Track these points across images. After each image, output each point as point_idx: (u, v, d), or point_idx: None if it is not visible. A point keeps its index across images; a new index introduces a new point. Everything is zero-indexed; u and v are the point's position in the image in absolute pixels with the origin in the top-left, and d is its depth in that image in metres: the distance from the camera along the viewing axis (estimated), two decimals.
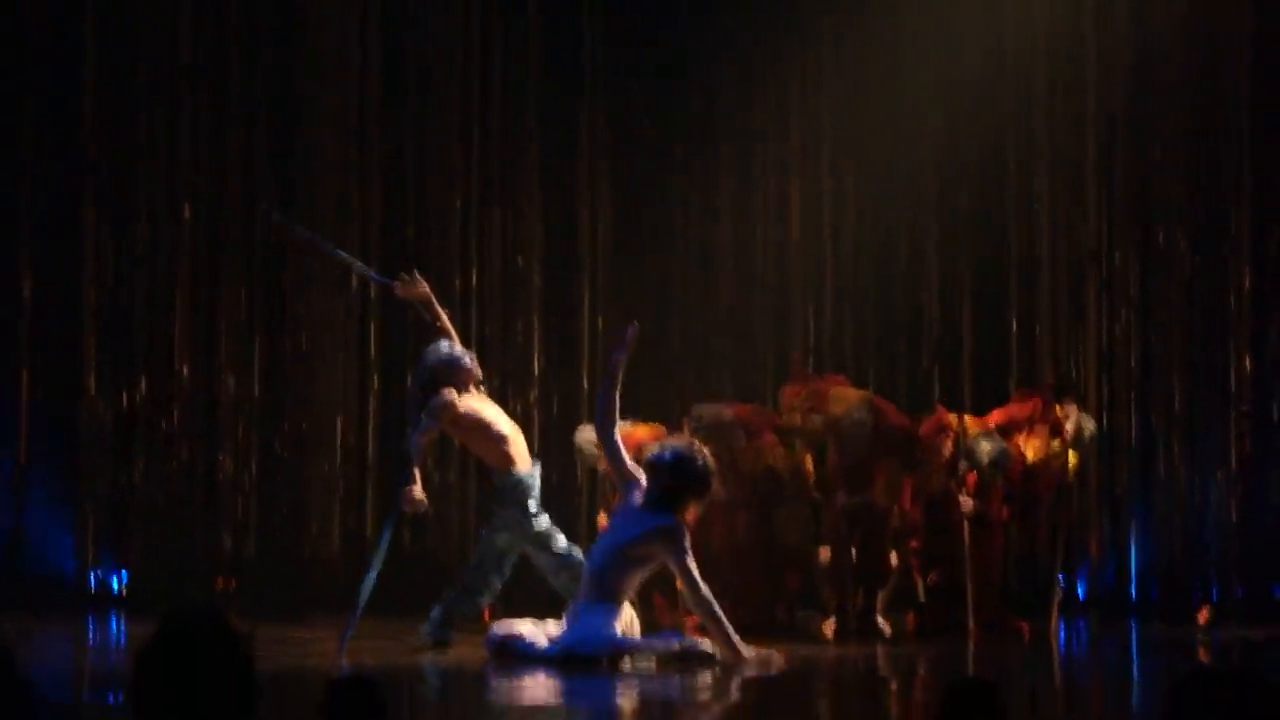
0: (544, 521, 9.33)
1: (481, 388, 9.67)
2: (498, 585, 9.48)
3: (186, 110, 14.01)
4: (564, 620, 8.48)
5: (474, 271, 14.21)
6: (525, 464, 9.44)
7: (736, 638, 8.26)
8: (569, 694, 7.99)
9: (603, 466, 10.44)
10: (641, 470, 8.40)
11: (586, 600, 8.33)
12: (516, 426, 9.67)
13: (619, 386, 8.57)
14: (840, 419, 11.07)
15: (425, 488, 9.49)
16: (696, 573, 8.15)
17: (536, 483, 9.45)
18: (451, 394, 9.36)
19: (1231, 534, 13.17)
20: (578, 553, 9.26)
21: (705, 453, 8.36)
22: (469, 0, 14.30)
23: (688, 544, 8.18)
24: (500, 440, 9.45)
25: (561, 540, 9.32)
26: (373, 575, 9.29)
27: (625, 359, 8.55)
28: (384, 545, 9.47)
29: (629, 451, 9.80)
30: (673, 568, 8.19)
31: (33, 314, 13.76)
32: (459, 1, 14.29)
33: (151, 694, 3.26)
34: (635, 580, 8.33)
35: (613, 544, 8.33)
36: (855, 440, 10.98)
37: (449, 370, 9.43)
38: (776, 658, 8.31)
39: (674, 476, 8.25)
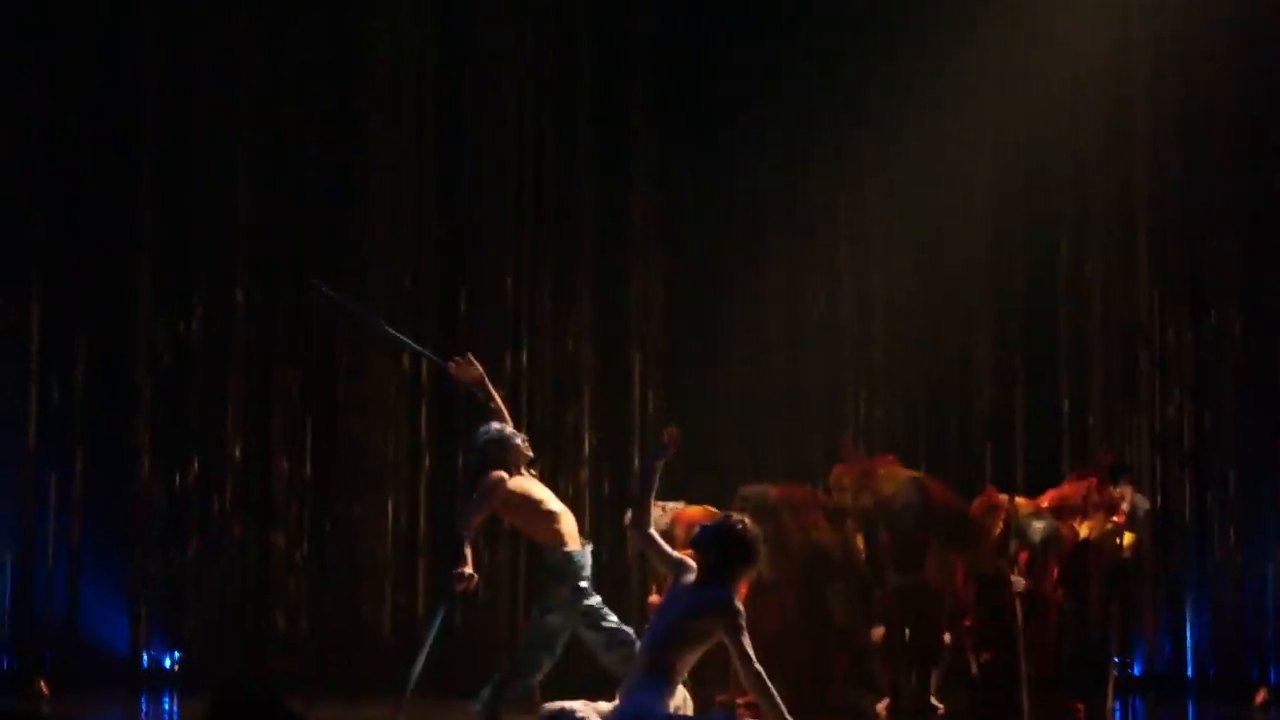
0: (595, 600, 9.32)
1: (533, 469, 9.68)
2: (548, 664, 9.45)
3: (242, 195, 14.14)
4: (616, 698, 8.45)
5: (525, 352, 14.25)
6: (576, 542, 9.44)
7: (790, 718, 8.21)
8: None
9: None
10: (687, 555, 8.39)
11: (640, 678, 8.28)
12: (566, 506, 9.68)
13: (655, 488, 8.57)
14: (890, 499, 11.05)
15: (476, 567, 9.49)
16: (751, 650, 8.10)
17: (588, 561, 9.44)
18: (502, 474, 9.38)
19: None
20: (629, 631, 9.25)
21: (745, 520, 8.32)
22: (524, 90, 14.40)
23: (743, 621, 8.12)
24: (551, 519, 9.45)
25: (612, 618, 9.30)
26: (424, 654, 9.29)
27: (664, 462, 8.56)
28: (436, 625, 9.49)
29: (681, 529, 9.74)
30: (728, 644, 8.13)
31: (86, 396, 13.84)
32: (515, 92, 14.39)
33: None
34: (689, 658, 8.27)
35: (667, 622, 8.27)
36: (905, 520, 10.95)
37: (500, 450, 9.45)
38: None
39: (719, 549, 8.19)
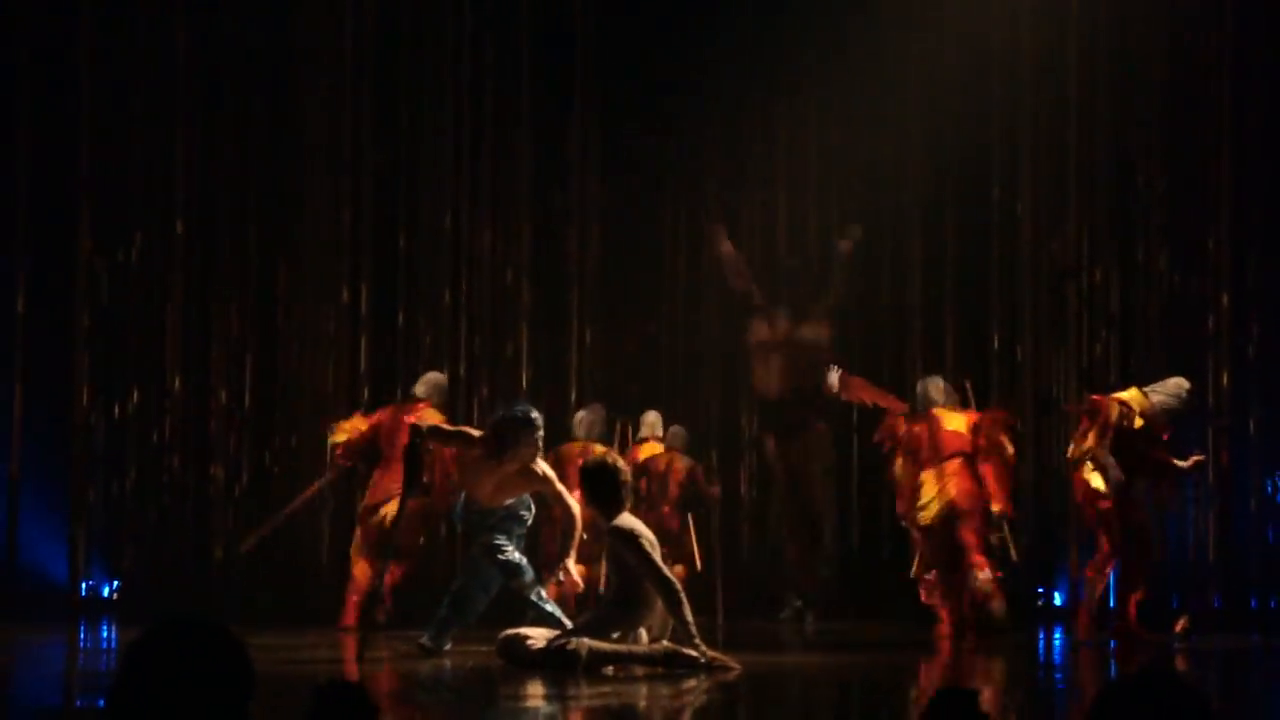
0: (498, 536, 9.71)
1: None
2: (487, 594, 9.85)
3: (181, 127, 14.14)
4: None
5: (463, 285, 14.34)
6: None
7: (699, 639, 8.62)
8: (556, 698, 8.12)
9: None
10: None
11: (605, 601, 9.05)
12: None
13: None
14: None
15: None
16: (655, 561, 8.68)
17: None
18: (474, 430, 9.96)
19: (1209, 545, 13.31)
20: (523, 562, 9.72)
21: (605, 454, 9.12)
22: (462, 21, 14.45)
23: (642, 540, 8.68)
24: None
25: (508, 551, 9.70)
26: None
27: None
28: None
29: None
30: (635, 562, 8.71)
31: (26, 328, 13.86)
32: (452, 19, 14.44)
33: (139, 696, 3.32)
34: (633, 582, 8.76)
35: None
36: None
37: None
38: (733, 665, 8.65)
39: (585, 487, 8.99)
